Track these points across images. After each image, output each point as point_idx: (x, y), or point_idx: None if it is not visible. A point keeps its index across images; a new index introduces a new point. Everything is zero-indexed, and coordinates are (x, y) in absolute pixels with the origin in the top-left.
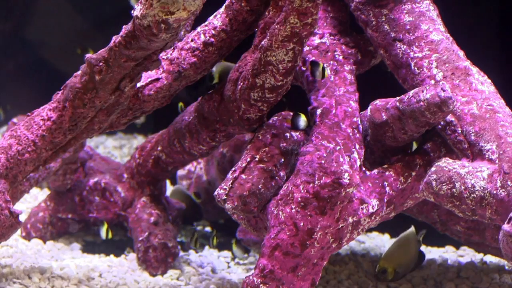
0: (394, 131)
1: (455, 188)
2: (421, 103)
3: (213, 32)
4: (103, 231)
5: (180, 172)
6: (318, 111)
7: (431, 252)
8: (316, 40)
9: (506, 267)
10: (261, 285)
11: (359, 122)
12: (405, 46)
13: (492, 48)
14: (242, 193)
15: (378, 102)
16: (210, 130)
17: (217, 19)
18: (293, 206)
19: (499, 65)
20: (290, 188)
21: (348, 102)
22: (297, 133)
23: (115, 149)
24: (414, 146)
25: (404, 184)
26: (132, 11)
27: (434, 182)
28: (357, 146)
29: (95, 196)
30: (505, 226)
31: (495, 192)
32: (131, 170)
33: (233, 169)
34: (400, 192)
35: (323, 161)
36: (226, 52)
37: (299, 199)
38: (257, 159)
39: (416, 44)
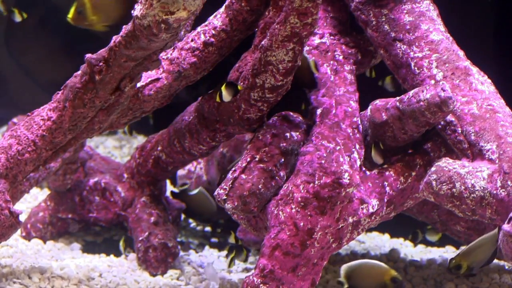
0: (394, 131)
1: (455, 188)
2: (421, 103)
3: (213, 32)
4: (122, 247)
5: (180, 172)
6: (318, 111)
7: (431, 252)
8: (316, 40)
9: (506, 267)
10: (261, 285)
11: (359, 122)
12: (405, 46)
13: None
14: (242, 193)
15: (378, 102)
16: (210, 130)
17: (217, 19)
18: (293, 206)
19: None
20: (290, 188)
21: (348, 102)
22: (297, 133)
23: (115, 149)
24: None
25: (404, 184)
26: (132, 11)
27: (434, 182)
28: (357, 146)
29: (95, 196)
30: (505, 226)
31: (495, 192)
32: (131, 170)
33: (233, 169)
34: (400, 192)
35: (323, 161)
36: (226, 52)
37: (299, 199)
38: (257, 159)
39: (416, 44)
